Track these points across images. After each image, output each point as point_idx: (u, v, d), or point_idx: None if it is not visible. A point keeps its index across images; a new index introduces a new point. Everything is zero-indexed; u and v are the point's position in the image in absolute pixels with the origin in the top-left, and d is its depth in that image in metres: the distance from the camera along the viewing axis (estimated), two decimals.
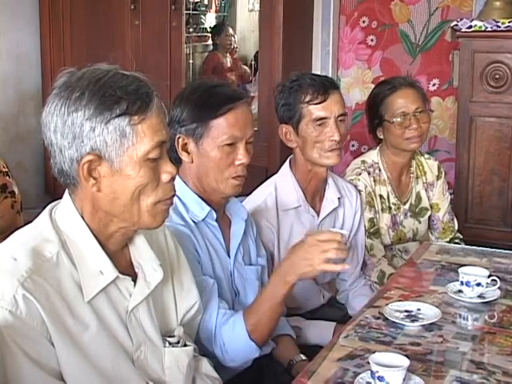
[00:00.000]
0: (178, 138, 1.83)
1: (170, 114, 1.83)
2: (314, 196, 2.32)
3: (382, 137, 2.60)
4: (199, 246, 1.81)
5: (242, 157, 1.80)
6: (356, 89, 4.33)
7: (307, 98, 2.19)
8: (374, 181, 2.57)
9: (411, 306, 1.84)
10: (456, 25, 3.55)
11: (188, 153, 1.83)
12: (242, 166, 1.82)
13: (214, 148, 1.79)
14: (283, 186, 2.26)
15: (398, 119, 2.51)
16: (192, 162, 1.84)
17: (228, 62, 5.77)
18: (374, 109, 2.59)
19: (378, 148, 2.65)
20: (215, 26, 5.96)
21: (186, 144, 1.83)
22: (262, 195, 2.23)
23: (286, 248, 2.22)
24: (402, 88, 2.54)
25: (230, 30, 5.82)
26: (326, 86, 2.20)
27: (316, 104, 2.18)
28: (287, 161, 2.33)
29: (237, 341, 1.74)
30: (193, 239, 1.79)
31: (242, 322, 1.75)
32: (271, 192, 2.24)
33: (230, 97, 1.81)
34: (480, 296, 1.90)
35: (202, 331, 1.73)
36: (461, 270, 1.95)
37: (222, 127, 1.78)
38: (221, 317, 1.75)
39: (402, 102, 2.52)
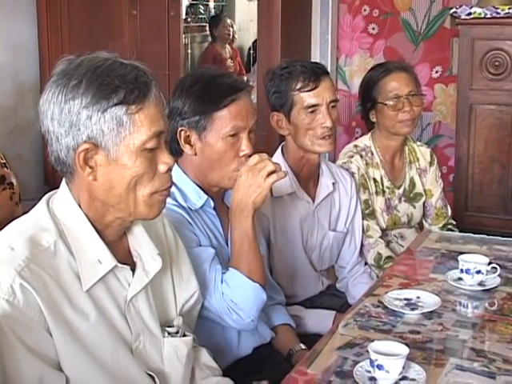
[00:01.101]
0: (181, 130, 1.81)
1: (171, 106, 1.82)
2: (307, 182, 2.32)
3: (374, 120, 2.62)
4: (198, 229, 1.81)
5: (245, 147, 1.80)
6: (359, 77, 4.33)
7: (298, 86, 2.18)
8: (367, 164, 2.58)
9: (411, 294, 1.83)
10: (455, 12, 3.54)
11: (191, 145, 1.82)
12: (245, 158, 1.81)
13: (218, 140, 1.78)
14: None
15: (391, 102, 2.52)
16: (195, 154, 1.83)
17: (227, 52, 5.76)
18: (368, 92, 2.60)
19: (370, 133, 2.67)
20: (212, 17, 5.94)
21: (188, 136, 1.82)
22: None
23: (283, 235, 2.22)
24: (395, 71, 2.56)
25: (228, 21, 5.81)
26: (317, 73, 2.19)
27: (307, 91, 2.18)
28: (279, 148, 2.33)
29: (241, 290, 1.75)
30: (190, 221, 1.80)
31: (236, 272, 1.76)
32: None
33: (232, 87, 1.80)
34: (480, 283, 1.90)
35: (210, 304, 1.74)
36: (461, 257, 1.95)
37: (225, 119, 1.77)
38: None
39: (395, 85, 2.53)
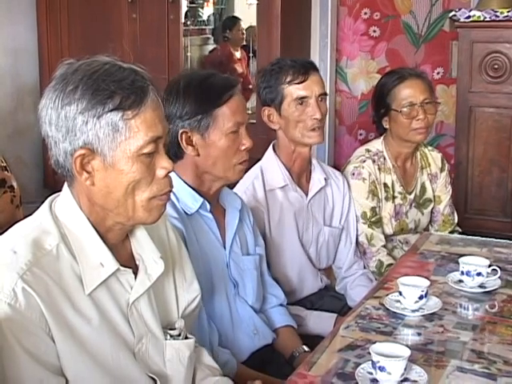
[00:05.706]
0: (182, 132, 1.82)
1: (167, 111, 1.80)
2: (300, 176, 2.36)
3: (387, 126, 2.59)
4: (189, 240, 1.80)
5: (245, 141, 1.84)
6: (361, 79, 4.38)
7: (288, 79, 2.24)
8: (379, 169, 2.57)
9: None
10: (454, 15, 3.55)
11: (193, 146, 1.84)
12: (245, 151, 1.85)
13: (221, 137, 1.81)
14: (268, 168, 2.31)
15: (405, 109, 2.50)
16: (198, 155, 1.84)
17: (239, 55, 5.80)
18: (381, 98, 2.57)
19: (382, 137, 2.64)
20: (226, 19, 5.95)
21: (190, 138, 1.83)
22: (248, 179, 2.26)
23: (278, 228, 2.26)
24: (410, 78, 2.53)
25: (242, 24, 5.84)
26: (306, 67, 2.25)
27: (297, 84, 2.23)
28: (270, 145, 2.37)
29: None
30: (184, 234, 1.78)
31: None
32: (257, 174, 2.28)
33: (226, 85, 1.84)
34: (480, 286, 1.91)
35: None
36: (461, 259, 1.96)
37: (226, 115, 1.81)
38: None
39: (410, 92, 2.51)
